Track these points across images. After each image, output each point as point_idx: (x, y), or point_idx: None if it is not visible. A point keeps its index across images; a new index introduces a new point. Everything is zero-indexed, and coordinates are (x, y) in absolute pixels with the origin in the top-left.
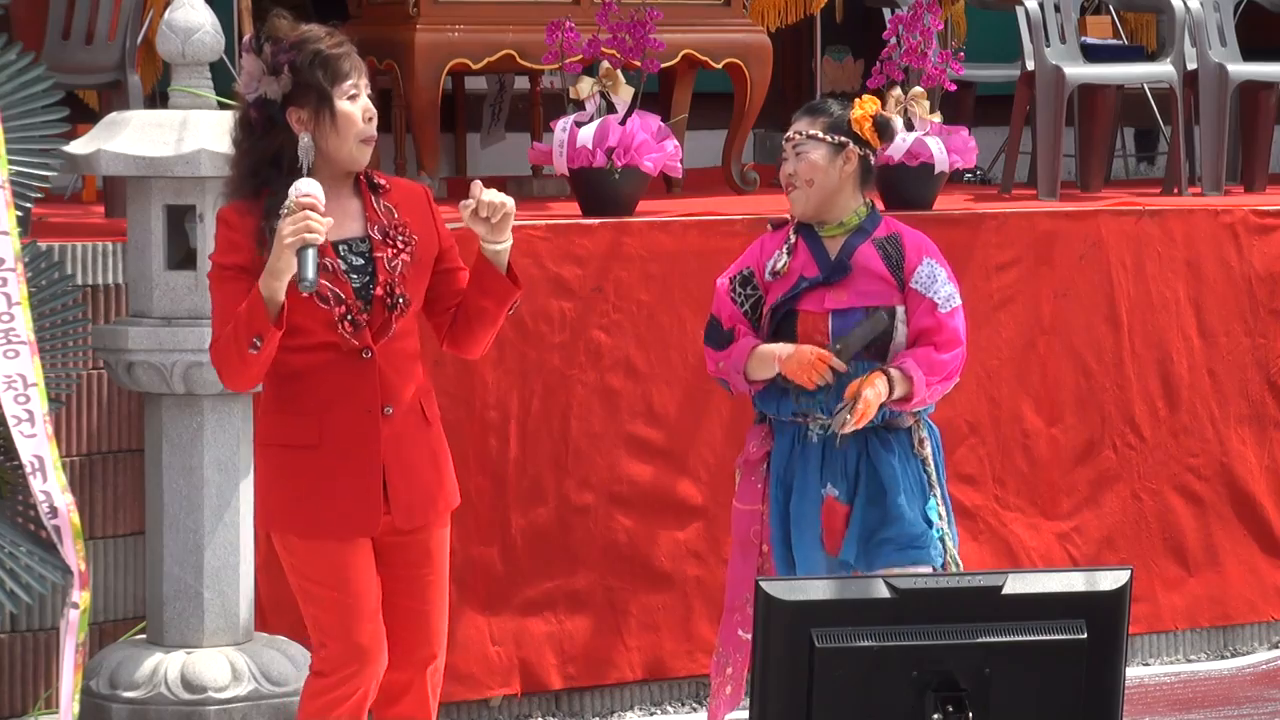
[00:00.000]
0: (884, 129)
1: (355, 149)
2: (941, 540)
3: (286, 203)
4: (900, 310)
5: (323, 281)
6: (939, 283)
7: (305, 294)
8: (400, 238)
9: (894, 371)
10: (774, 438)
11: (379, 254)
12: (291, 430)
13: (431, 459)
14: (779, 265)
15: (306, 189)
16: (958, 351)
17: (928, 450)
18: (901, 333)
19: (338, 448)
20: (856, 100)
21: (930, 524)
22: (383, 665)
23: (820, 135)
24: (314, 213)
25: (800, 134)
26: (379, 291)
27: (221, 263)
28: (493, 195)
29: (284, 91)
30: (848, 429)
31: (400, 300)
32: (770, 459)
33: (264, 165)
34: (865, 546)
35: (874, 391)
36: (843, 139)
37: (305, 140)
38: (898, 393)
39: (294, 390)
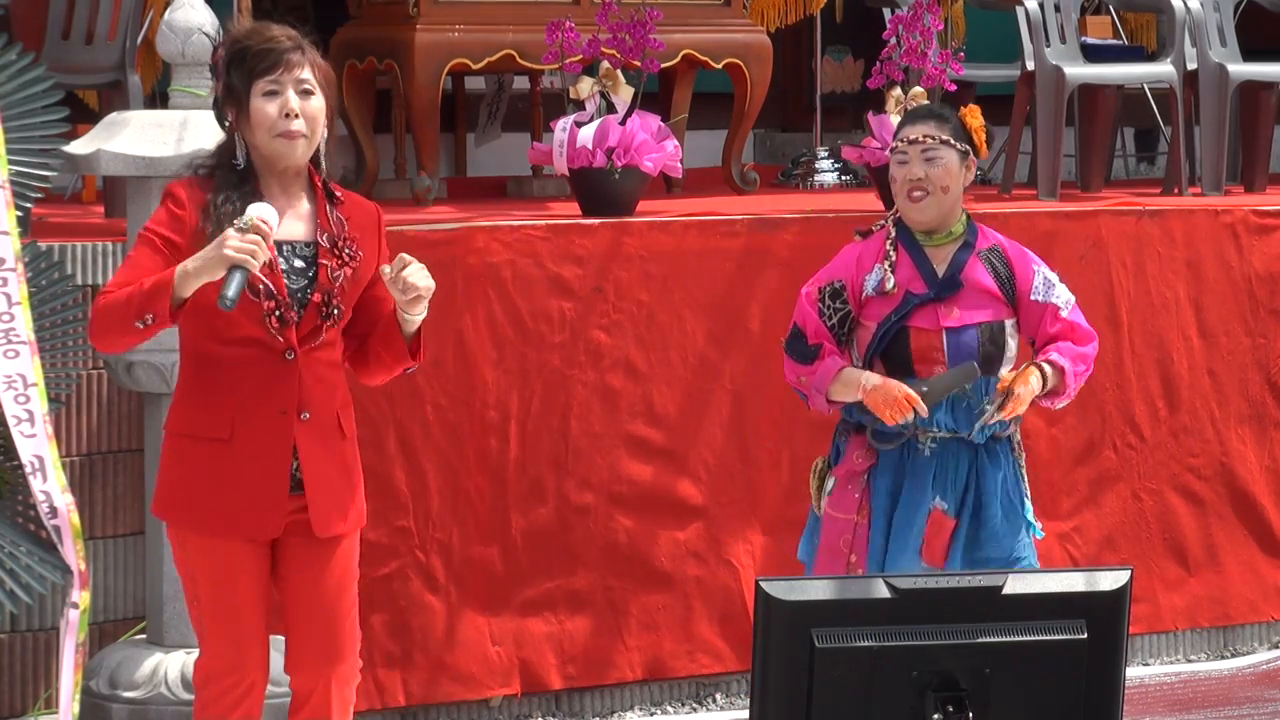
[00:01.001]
0: (991, 141)
1: (271, 144)
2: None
3: (244, 219)
4: (1009, 324)
5: (258, 275)
6: (1056, 288)
7: (223, 309)
8: (347, 250)
9: (1046, 366)
10: (877, 450)
11: (324, 262)
12: (204, 422)
13: (345, 472)
14: (889, 285)
15: (265, 214)
16: (1094, 343)
17: (1024, 458)
18: (1013, 346)
19: (248, 446)
20: (965, 110)
21: (1030, 525)
22: (266, 674)
23: (951, 141)
24: (263, 241)
25: (933, 138)
26: (316, 298)
27: (152, 228)
28: (415, 275)
29: (219, 91)
30: (993, 420)
31: (335, 311)
32: (874, 471)
33: (221, 160)
34: (968, 561)
35: (1027, 388)
36: (966, 147)
37: (237, 139)
38: (1049, 385)
39: (212, 382)
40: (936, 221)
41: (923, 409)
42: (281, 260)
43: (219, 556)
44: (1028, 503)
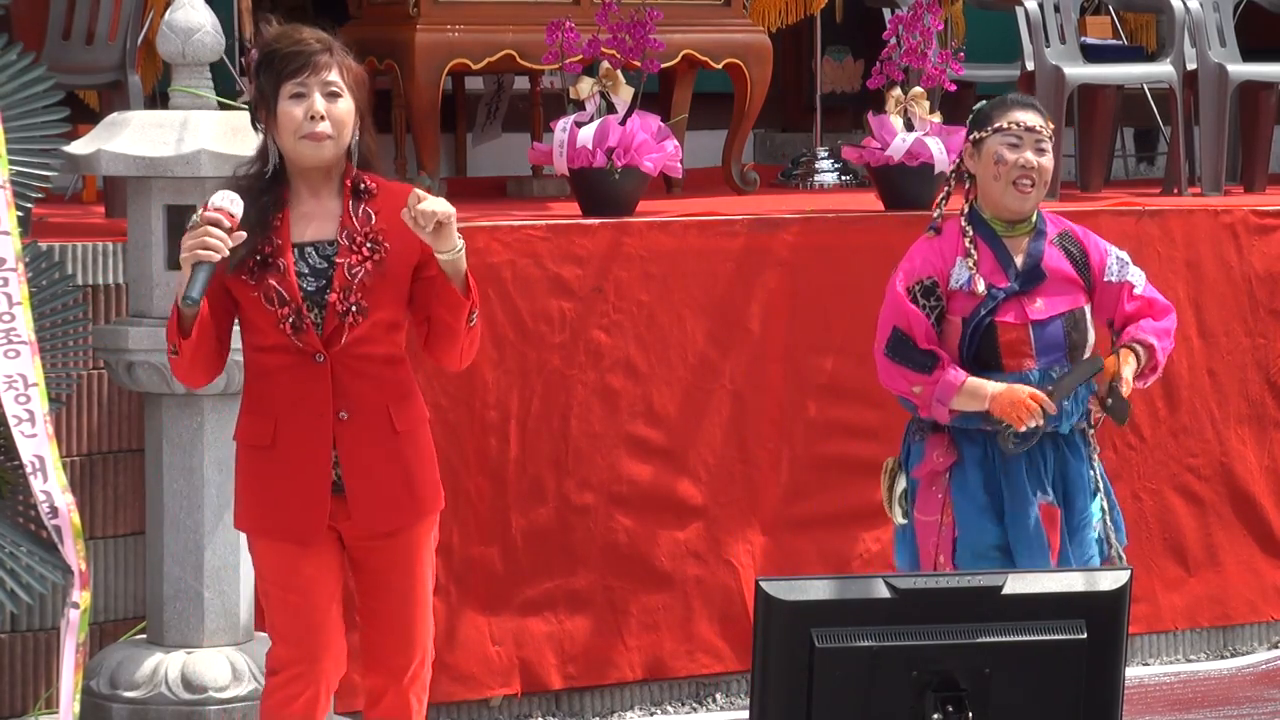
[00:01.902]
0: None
1: (298, 146)
2: (1098, 541)
3: (196, 214)
4: (1087, 309)
5: (271, 282)
6: (1128, 266)
7: (186, 310)
8: (369, 244)
9: (1137, 346)
10: (958, 449)
11: (341, 260)
12: (253, 430)
13: (398, 464)
14: (979, 288)
15: (219, 202)
16: (1173, 314)
17: (1097, 450)
18: (1092, 332)
19: (290, 450)
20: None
21: (1089, 524)
22: (336, 669)
23: (1050, 135)
24: (219, 229)
25: (1042, 128)
26: (332, 297)
27: None
28: (430, 204)
29: (254, 94)
30: (1100, 415)
31: (354, 308)
32: (956, 469)
33: (259, 162)
34: (1068, 557)
35: (1131, 369)
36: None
37: (269, 141)
38: (1143, 364)
39: (258, 391)
40: (1029, 212)
41: (1051, 407)
42: (301, 262)
43: (278, 558)
44: (1098, 499)
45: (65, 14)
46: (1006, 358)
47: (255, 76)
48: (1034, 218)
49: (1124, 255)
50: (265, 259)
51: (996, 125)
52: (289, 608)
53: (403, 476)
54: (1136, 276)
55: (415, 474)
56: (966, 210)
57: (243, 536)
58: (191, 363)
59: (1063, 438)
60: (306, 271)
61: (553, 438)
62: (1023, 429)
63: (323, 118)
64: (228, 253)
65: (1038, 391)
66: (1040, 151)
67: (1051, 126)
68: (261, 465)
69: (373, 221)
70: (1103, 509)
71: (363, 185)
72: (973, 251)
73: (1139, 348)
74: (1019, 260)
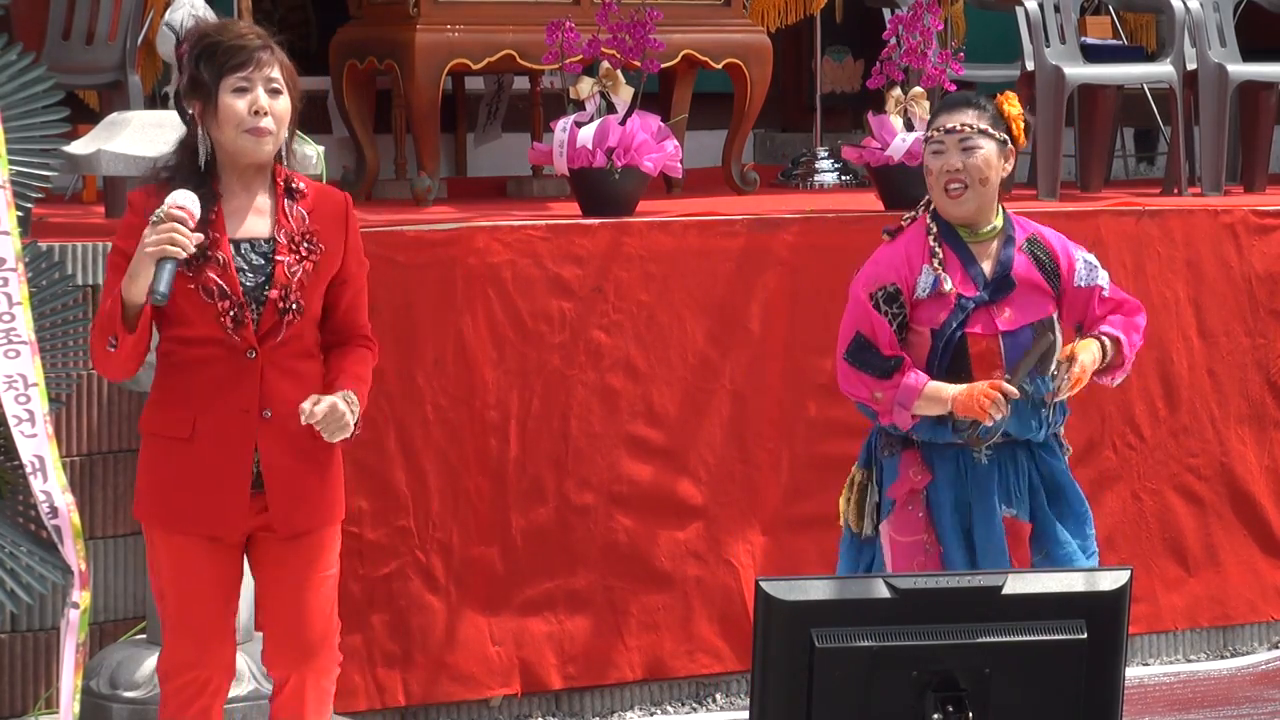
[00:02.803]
0: (1029, 129)
1: (239, 140)
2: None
3: (159, 210)
4: (1054, 316)
5: (211, 275)
6: (1096, 269)
7: (155, 305)
8: (306, 244)
9: (1104, 338)
10: (932, 465)
11: (281, 258)
12: (167, 422)
13: (316, 467)
14: (947, 287)
15: (181, 200)
16: (1143, 314)
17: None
18: (1060, 337)
19: (209, 445)
20: (1001, 97)
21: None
22: (229, 670)
23: (990, 130)
24: (183, 226)
25: (970, 127)
26: (273, 294)
27: (118, 245)
28: (321, 421)
29: (184, 83)
30: (1063, 394)
31: (294, 306)
32: (931, 488)
33: (184, 155)
34: (1050, 558)
35: (1090, 355)
36: (1004, 136)
37: (200, 133)
38: (1109, 358)
39: (176, 382)
40: (974, 215)
41: (1013, 391)
42: (239, 258)
43: (182, 554)
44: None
45: (65, 14)
46: (977, 370)
47: (189, 67)
48: (1000, 223)
49: (1091, 258)
50: (202, 252)
51: (926, 135)
52: (186, 609)
53: (320, 479)
54: (1104, 280)
55: (329, 477)
56: (930, 214)
57: None
58: (129, 357)
59: (1037, 445)
60: (244, 267)
61: (553, 438)
62: (990, 423)
63: (267, 113)
64: (193, 250)
65: (995, 381)
66: (967, 151)
67: (987, 115)
68: (176, 458)
69: (307, 222)
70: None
71: (295, 185)
72: (939, 253)
73: (1106, 340)
74: (988, 268)
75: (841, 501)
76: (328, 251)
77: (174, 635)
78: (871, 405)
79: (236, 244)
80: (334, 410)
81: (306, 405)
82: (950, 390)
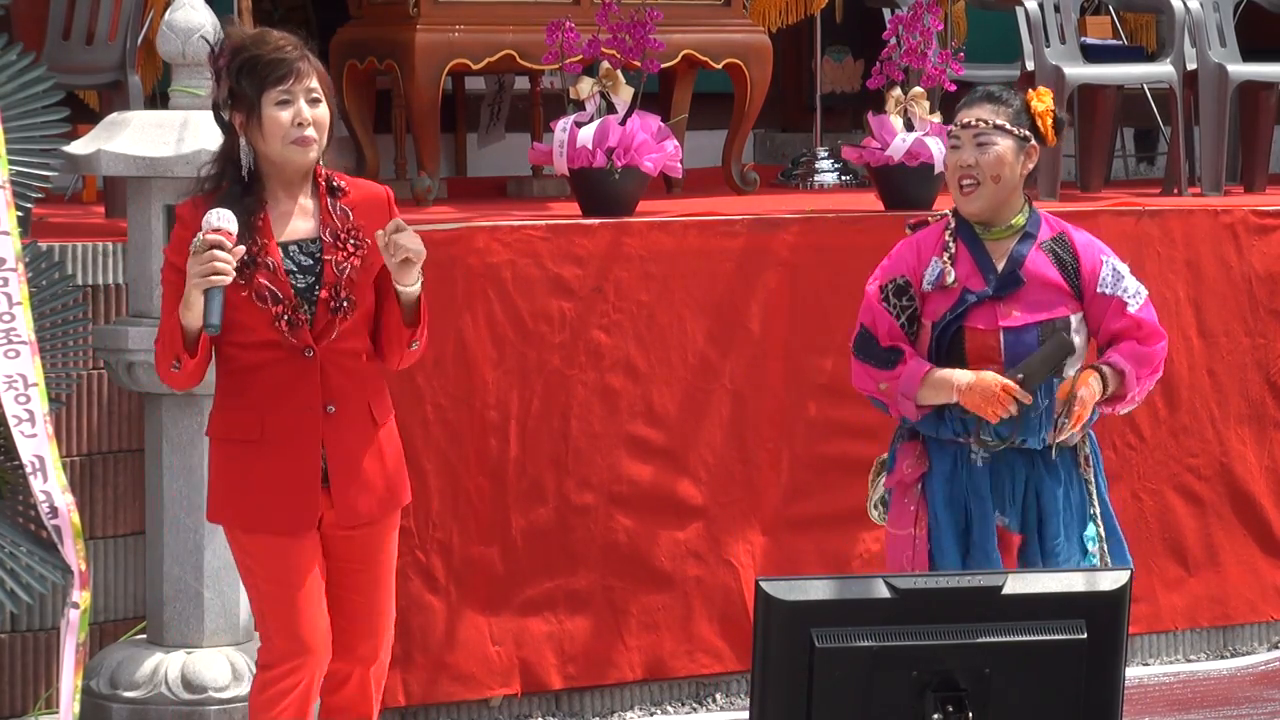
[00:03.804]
0: (1060, 127)
1: (284, 151)
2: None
3: (196, 239)
4: (1075, 319)
5: (263, 281)
6: (1125, 279)
7: (211, 335)
8: (352, 241)
9: (1105, 369)
10: (929, 458)
11: (328, 257)
12: (236, 425)
13: (378, 458)
14: (949, 280)
15: (215, 223)
16: (1162, 344)
17: (1091, 469)
18: (1079, 342)
19: (278, 443)
20: (1033, 93)
21: (1085, 553)
22: (326, 658)
23: (1007, 126)
24: (221, 250)
25: (985, 122)
26: (324, 294)
27: (171, 260)
28: (406, 238)
29: (224, 96)
30: (1064, 436)
31: (345, 303)
32: (926, 481)
33: (224, 164)
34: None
35: (1088, 391)
36: (1026, 133)
37: (243, 143)
38: (1110, 390)
39: (239, 386)
40: (988, 213)
41: (1025, 396)
42: (288, 260)
43: (269, 552)
44: (1091, 526)
45: (65, 14)
46: (973, 365)
47: (231, 80)
48: (1021, 219)
49: (1122, 268)
50: (252, 258)
51: (948, 130)
52: (283, 602)
53: (382, 469)
54: (1133, 293)
55: (392, 467)
56: (953, 212)
57: None
58: (193, 373)
59: (1038, 455)
60: (294, 269)
61: (553, 438)
62: (996, 422)
63: (310, 124)
64: (234, 272)
65: (1009, 382)
66: (981, 148)
67: (1008, 110)
68: (247, 460)
69: (351, 218)
70: (1097, 535)
71: (336, 183)
72: (951, 247)
73: (1107, 370)
74: (1000, 265)
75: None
76: (373, 246)
77: (275, 628)
78: (880, 397)
79: (284, 246)
80: (408, 230)
81: (384, 230)
82: (959, 380)
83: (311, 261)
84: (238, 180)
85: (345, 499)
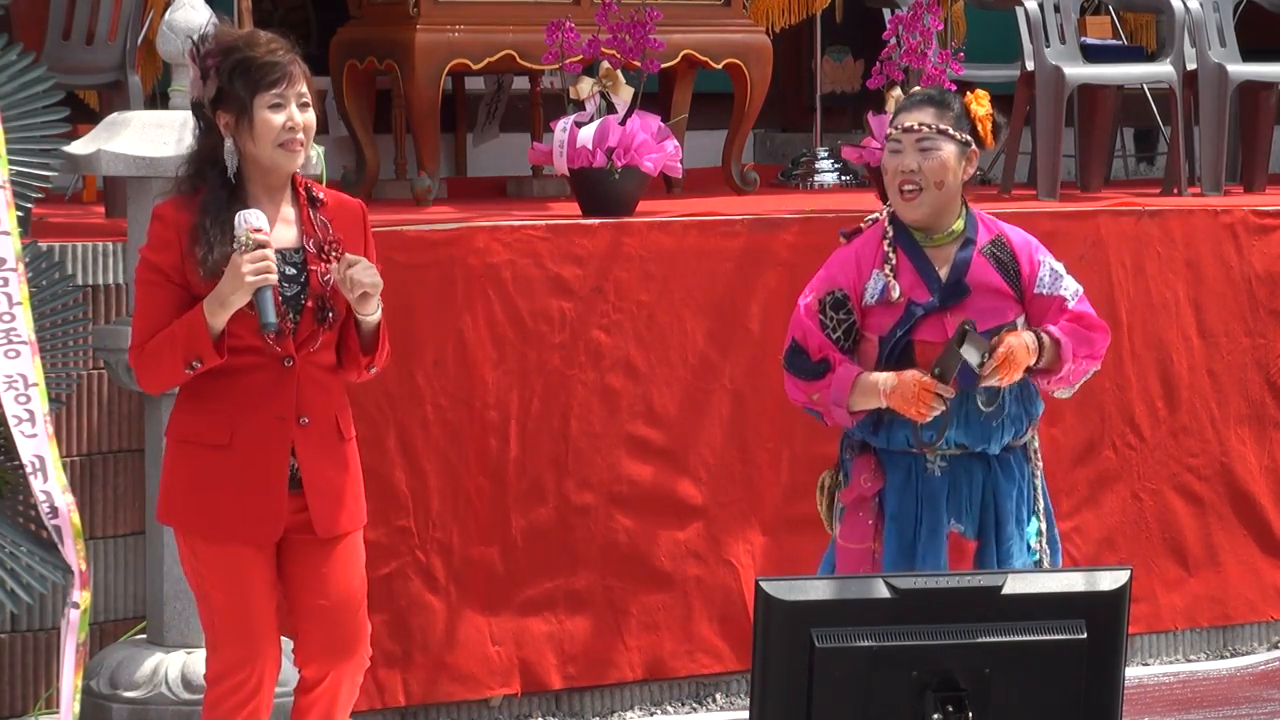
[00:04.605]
0: (999, 131)
1: (274, 154)
2: (1038, 564)
3: (239, 235)
4: (1020, 322)
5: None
6: (1063, 279)
7: (271, 334)
8: (334, 253)
9: (1043, 335)
10: (884, 472)
11: (314, 268)
12: (204, 429)
13: (345, 473)
14: (895, 295)
15: (255, 222)
16: (1104, 334)
17: (1039, 466)
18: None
19: (247, 451)
20: (971, 96)
21: (1029, 549)
22: (278, 668)
23: (951, 131)
24: (268, 247)
25: (929, 127)
26: (310, 304)
27: (150, 259)
28: (361, 272)
29: (210, 96)
30: (990, 379)
31: (329, 314)
32: (883, 494)
33: (203, 164)
34: None
35: (1018, 340)
36: (967, 137)
37: (229, 144)
38: (1044, 361)
39: (212, 390)
40: (930, 219)
41: (948, 391)
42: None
43: (226, 560)
44: (1034, 520)
45: (65, 14)
46: (906, 373)
47: (221, 80)
48: (960, 224)
49: (1059, 267)
50: None
51: (887, 133)
52: (236, 613)
53: (352, 483)
54: (1070, 290)
55: (356, 484)
56: (889, 217)
57: None
58: (195, 374)
59: (994, 459)
60: (280, 278)
61: (553, 438)
62: (924, 422)
63: (300, 128)
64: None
65: (928, 380)
66: (924, 152)
67: (950, 114)
68: (212, 465)
69: (330, 230)
70: (1039, 531)
71: (315, 194)
72: (892, 258)
73: (1046, 338)
74: (943, 273)
75: (818, 505)
76: None
77: (225, 638)
78: (814, 407)
79: None
80: (364, 263)
81: (338, 265)
82: (883, 383)
83: (295, 271)
84: (222, 183)
85: (321, 511)
